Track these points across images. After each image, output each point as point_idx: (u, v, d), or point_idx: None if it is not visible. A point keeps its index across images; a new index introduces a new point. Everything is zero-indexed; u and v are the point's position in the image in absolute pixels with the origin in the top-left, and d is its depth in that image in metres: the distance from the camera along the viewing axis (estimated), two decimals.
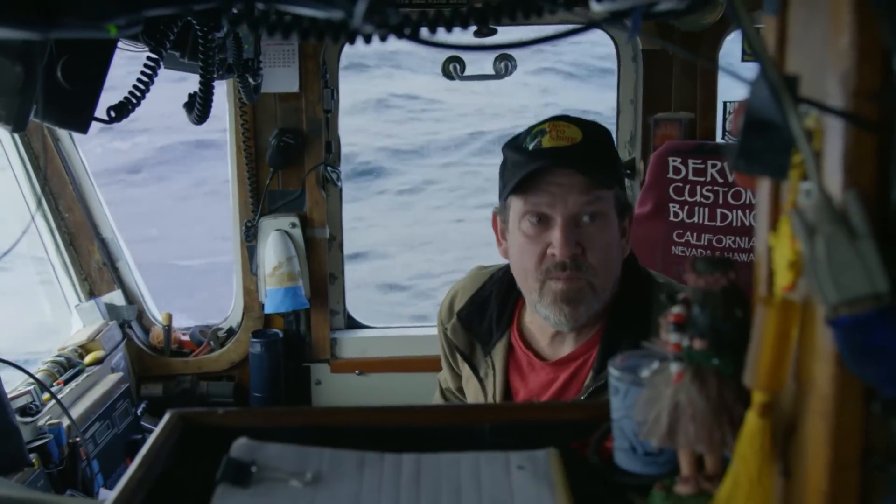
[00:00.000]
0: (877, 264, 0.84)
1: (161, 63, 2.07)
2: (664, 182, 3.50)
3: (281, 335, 3.85)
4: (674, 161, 3.48)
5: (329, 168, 3.76)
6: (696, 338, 1.09)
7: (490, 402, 2.35)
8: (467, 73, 3.62)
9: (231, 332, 3.96)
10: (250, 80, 3.17)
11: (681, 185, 3.48)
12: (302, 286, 3.75)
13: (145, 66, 2.05)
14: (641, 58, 3.77)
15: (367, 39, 0.92)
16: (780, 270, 0.93)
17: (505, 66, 3.62)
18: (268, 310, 3.75)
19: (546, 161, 2.15)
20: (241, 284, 3.88)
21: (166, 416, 1.44)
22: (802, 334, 0.95)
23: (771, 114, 0.86)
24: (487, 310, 2.42)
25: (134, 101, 2.06)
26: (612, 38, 3.78)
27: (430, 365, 3.90)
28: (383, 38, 0.92)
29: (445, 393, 2.71)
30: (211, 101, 2.39)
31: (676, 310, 1.10)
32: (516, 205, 2.21)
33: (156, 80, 2.08)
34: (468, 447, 1.32)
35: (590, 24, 1.12)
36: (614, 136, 3.90)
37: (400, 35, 0.93)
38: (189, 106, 2.42)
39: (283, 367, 3.85)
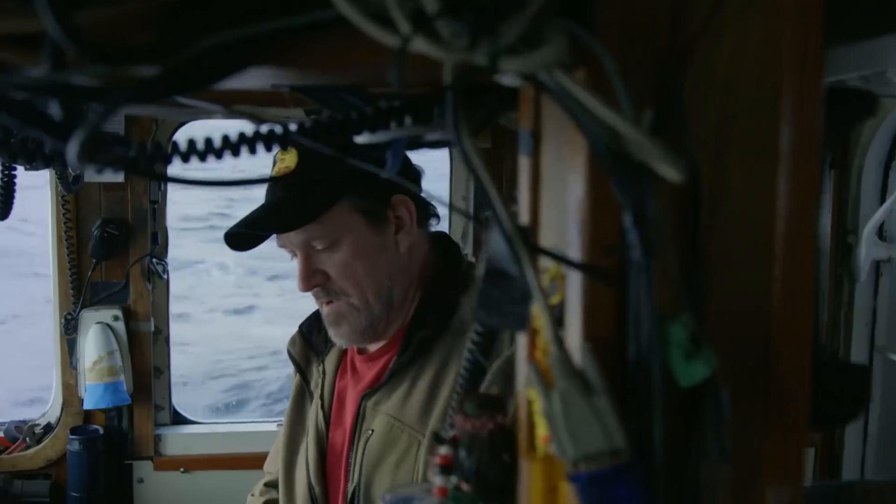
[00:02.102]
0: (613, 420, 0.82)
1: None
2: None
3: (101, 431, 3.69)
4: None
5: (155, 260, 3.66)
6: (463, 482, 1.06)
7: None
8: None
9: (49, 429, 3.78)
10: (69, 170, 3.07)
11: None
12: (123, 381, 3.62)
13: None
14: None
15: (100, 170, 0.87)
16: (539, 421, 0.91)
17: None
18: (87, 406, 3.60)
19: (237, 230, 2.16)
20: (61, 379, 3.73)
21: None
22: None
23: (508, 264, 0.84)
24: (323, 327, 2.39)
25: None
26: None
27: (257, 462, 3.81)
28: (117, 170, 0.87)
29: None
30: (13, 193, 2.28)
31: (443, 451, 1.07)
32: None
33: None
34: None
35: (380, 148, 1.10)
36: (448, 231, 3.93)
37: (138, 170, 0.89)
38: None
39: (103, 464, 3.69)
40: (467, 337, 2.02)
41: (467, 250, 3.87)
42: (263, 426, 3.99)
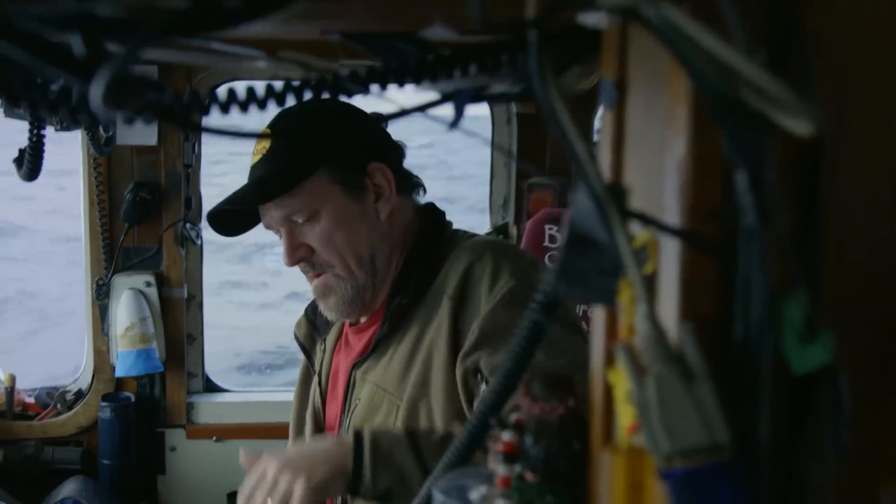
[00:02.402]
0: (715, 411, 0.72)
1: None
2: (540, 251, 3.39)
3: (133, 399, 3.61)
4: (550, 229, 3.38)
5: (189, 225, 3.57)
6: (528, 471, 0.96)
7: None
8: None
9: (80, 395, 3.70)
10: (101, 132, 2.98)
11: (556, 254, 3.36)
12: (156, 348, 3.53)
13: None
14: (515, 121, 3.67)
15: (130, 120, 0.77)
16: (623, 408, 0.80)
17: None
18: (118, 373, 3.52)
19: (218, 210, 2.25)
20: (92, 344, 3.65)
21: None
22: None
23: (596, 230, 0.73)
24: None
25: None
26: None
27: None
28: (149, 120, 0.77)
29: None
30: (42, 155, 2.19)
31: (506, 437, 0.97)
32: None
33: None
34: None
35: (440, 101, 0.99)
36: (487, 200, 3.82)
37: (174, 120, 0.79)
38: (18, 161, 2.23)
39: (134, 432, 3.61)
40: (446, 298, 2.10)
41: (508, 218, 3.76)
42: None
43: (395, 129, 2.35)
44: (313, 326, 2.53)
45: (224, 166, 9.46)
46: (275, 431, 3.69)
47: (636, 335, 0.79)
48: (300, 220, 2.20)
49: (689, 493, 0.73)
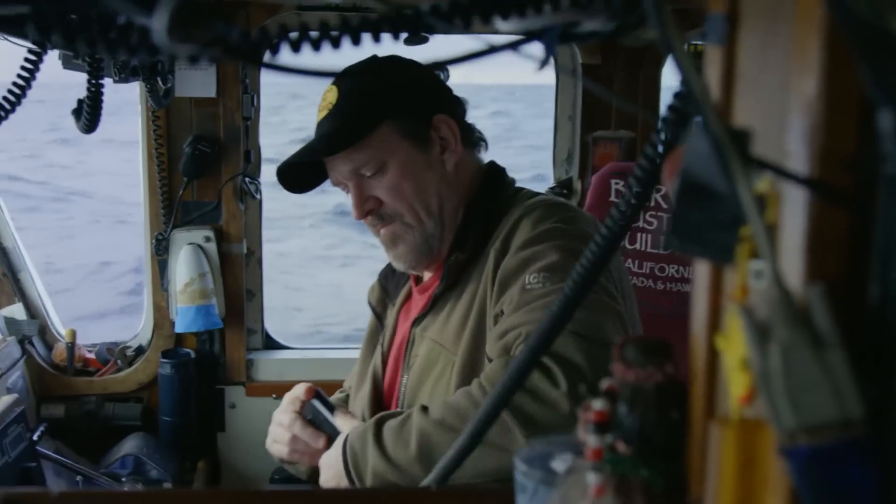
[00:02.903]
0: (847, 382, 0.64)
1: (42, 59, 1.81)
2: (606, 205, 3.29)
3: (193, 355, 3.60)
4: (616, 184, 3.28)
5: (248, 179, 3.52)
6: (621, 442, 0.88)
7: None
8: None
9: (140, 351, 3.69)
10: (159, 83, 2.93)
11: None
12: (215, 304, 3.50)
13: (25, 61, 1.80)
14: (581, 72, 3.57)
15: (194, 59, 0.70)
16: (735, 376, 0.73)
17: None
18: (178, 329, 3.49)
19: (286, 166, 2.28)
20: (152, 300, 3.63)
21: None
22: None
23: (713, 179, 0.65)
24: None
25: (7, 105, 1.80)
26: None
27: None
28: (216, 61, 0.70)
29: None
30: (100, 106, 2.14)
31: (598, 405, 0.89)
32: None
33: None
34: None
35: (526, 39, 0.91)
36: (551, 153, 3.73)
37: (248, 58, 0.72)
38: (77, 112, 2.18)
39: (194, 389, 3.60)
40: (493, 250, 2.08)
41: (572, 173, 3.66)
42: (356, 353, 3.85)
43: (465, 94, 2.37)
44: (385, 291, 2.55)
45: None
46: (334, 389, 3.66)
47: (752, 297, 0.71)
48: (368, 174, 2.21)
49: (814, 472, 0.66)
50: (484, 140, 2.39)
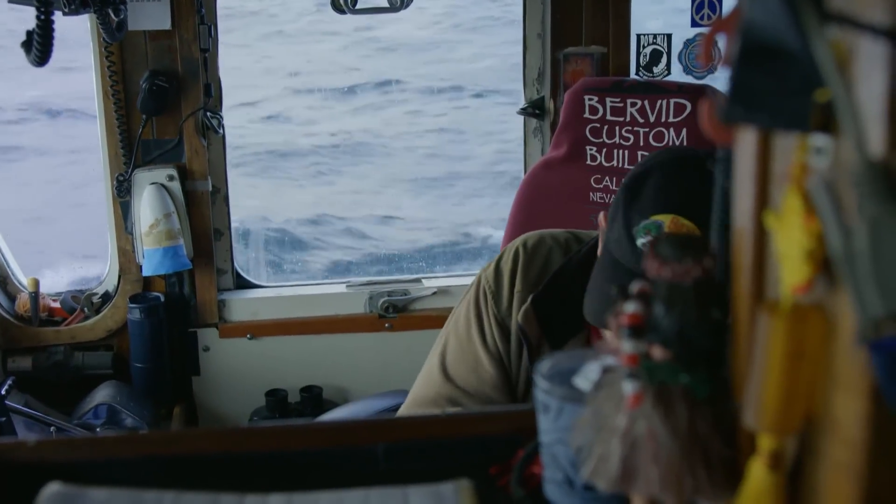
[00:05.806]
0: None
1: None
2: (580, 122, 3.20)
3: (163, 299, 3.49)
4: (590, 100, 3.19)
5: (209, 113, 3.39)
6: (659, 346, 0.81)
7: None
8: (359, 5, 3.26)
9: (107, 297, 3.58)
10: (111, 15, 2.80)
11: (598, 125, 3.18)
12: (183, 245, 3.39)
13: None
14: None
15: None
16: (790, 263, 0.65)
17: None
18: (146, 272, 3.39)
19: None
20: (116, 244, 3.51)
21: None
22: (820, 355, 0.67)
23: (782, 36, 0.57)
24: (567, 299, 1.93)
25: None
26: None
27: (327, 326, 3.62)
28: None
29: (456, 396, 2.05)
30: (51, 38, 2.03)
31: (631, 308, 0.82)
32: None
33: None
34: (355, 479, 1.01)
35: None
36: (521, 73, 3.63)
37: None
38: (27, 45, 2.07)
39: (166, 333, 3.50)
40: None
41: (544, 92, 3.57)
42: (332, 287, 3.77)
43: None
44: (543, 327, 1.99)
45: None
46: (311, 326, 3.60)
47: (817, 173, 0.63)
48: None
49: None
50: None
